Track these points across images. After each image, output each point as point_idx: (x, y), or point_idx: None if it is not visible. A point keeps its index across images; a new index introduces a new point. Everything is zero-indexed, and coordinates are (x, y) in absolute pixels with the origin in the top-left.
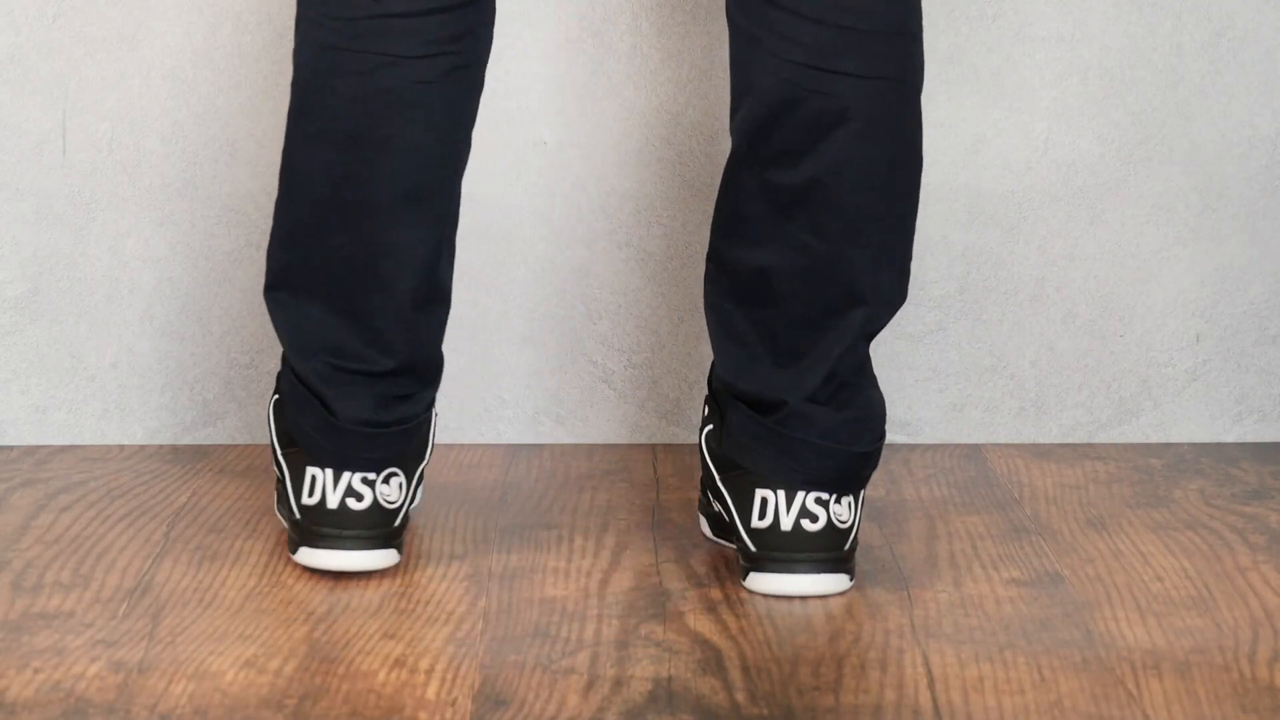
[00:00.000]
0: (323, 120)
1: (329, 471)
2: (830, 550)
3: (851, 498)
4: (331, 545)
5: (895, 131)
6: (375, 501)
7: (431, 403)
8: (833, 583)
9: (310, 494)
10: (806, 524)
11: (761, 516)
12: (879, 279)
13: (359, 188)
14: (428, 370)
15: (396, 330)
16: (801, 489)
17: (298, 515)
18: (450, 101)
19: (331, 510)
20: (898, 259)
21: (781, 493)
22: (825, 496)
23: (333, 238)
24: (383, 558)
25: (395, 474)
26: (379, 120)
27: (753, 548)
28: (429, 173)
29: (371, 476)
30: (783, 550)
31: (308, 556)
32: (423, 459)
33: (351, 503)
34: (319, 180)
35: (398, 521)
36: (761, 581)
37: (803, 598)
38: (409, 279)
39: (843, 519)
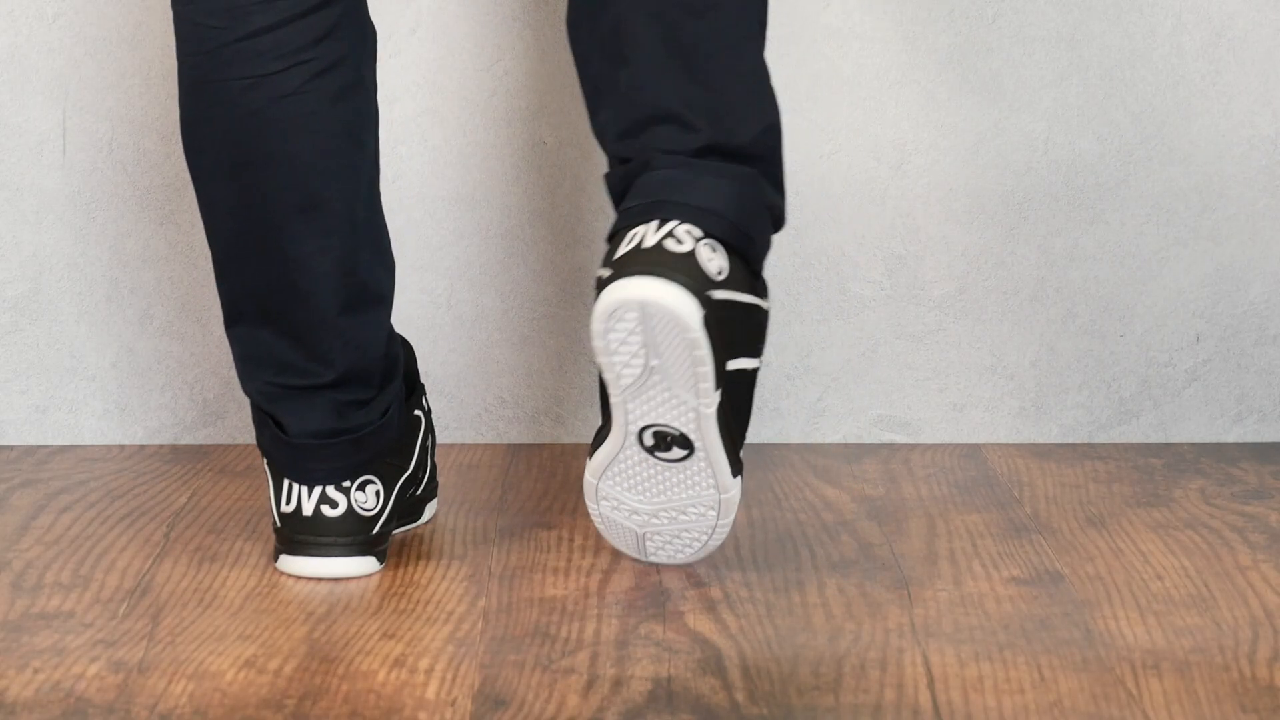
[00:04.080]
0: (210, 154)
1: (303, 485)
2: None
3: None
4: (308, 553)
5: None
6: (350, 508)
7: (388, 408)
8: None
9: (288, 502)
10: None
11: None
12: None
13: (256, 209)
14: (376, 373)
15: (329, 340)
16: None
17: (278, 523)
18: (316, 110)
19: (307, 518)
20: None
21: None
22: None
23: (251, 262)
24: (361, 565)
25: (371, 482)
26: (255, 142)
27: None
28: (317, 183)
29: (346, 484)
30: None
31: (286, 564)
32: (404, 468)
33: (326, 510)
34: (224, 211)
35: (376, 529)
36: None
37: None
38: (325, 288)
39: None
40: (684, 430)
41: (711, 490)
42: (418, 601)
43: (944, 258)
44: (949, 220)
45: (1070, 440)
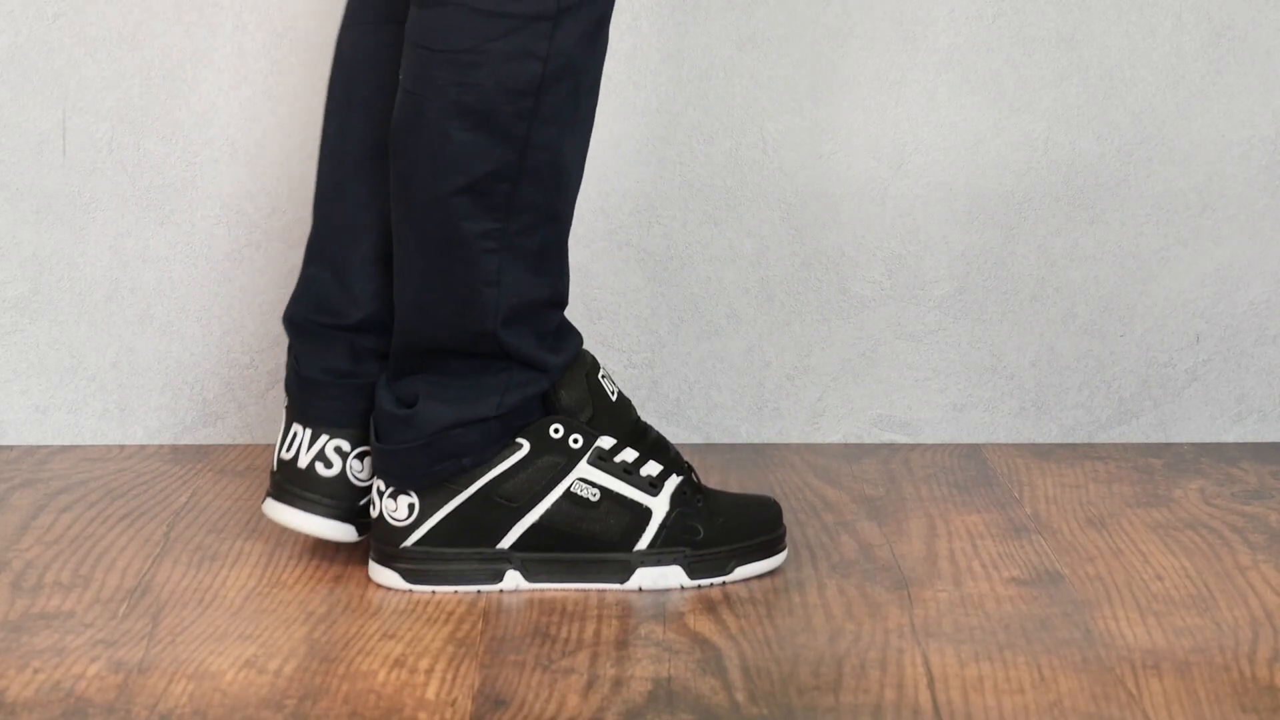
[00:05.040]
0: (329, 92)
1: (308, 431)
2: None
3: None
4: (293, 504)
5: None
6: (344, 473)
7: None
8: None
9: (288, 449)
10: None
11: None
12: None
13: (338, 147)
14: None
15: (364, 282)
16: None
17: (274, 467)
18: (394, 59)
19: (300, 469)
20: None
21: None
22: None
23: (328, 195)
24: (339, 530)
25: (369, 453)
26: (343, 82)
27: None
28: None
29: (346, 448)
30: None
31: (270, 508)
32: None
33: (320, 467)
34: (325, 149)
35: (364, 500)
36: None
37: None
38: (375, 233)
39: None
40: None
41: None
42: (418, 601)
43: (944, 258)
44: (949, 220)
45: (1070, 440)
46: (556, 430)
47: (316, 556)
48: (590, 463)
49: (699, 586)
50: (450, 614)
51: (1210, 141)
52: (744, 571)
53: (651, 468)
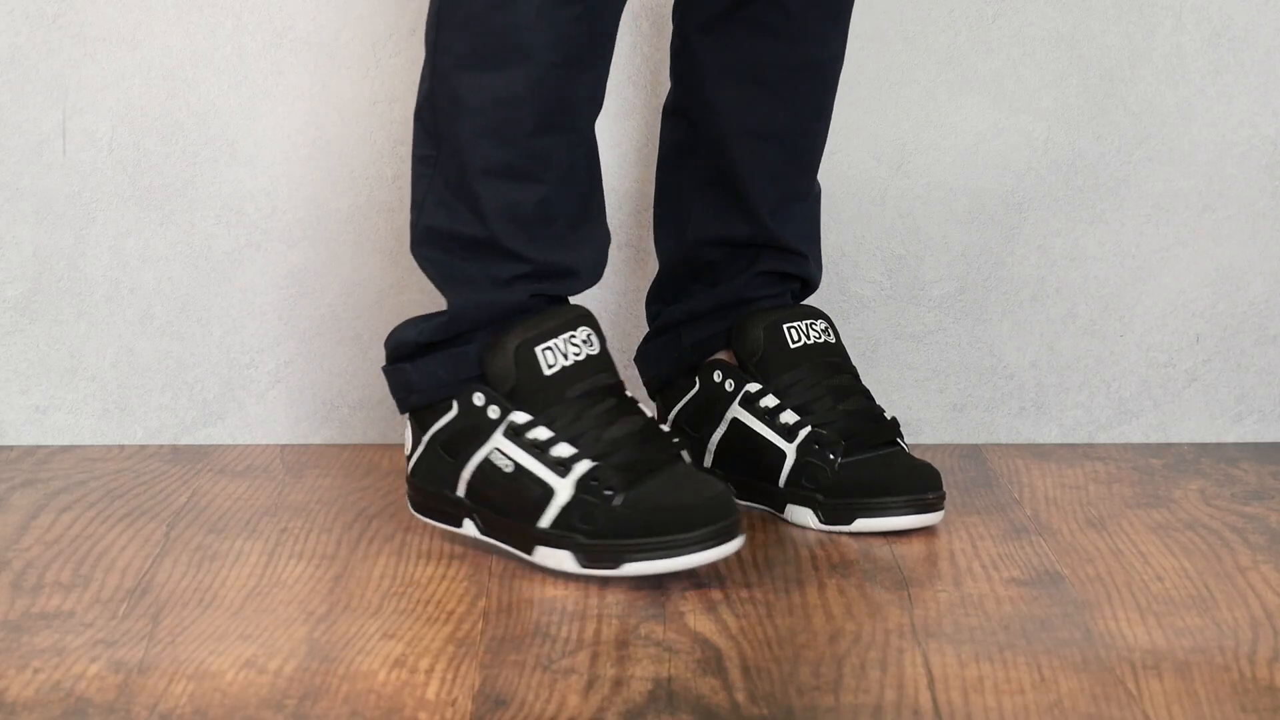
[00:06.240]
0: None
1: None
2: None
3: None
4: None
5: None
6: None
7: None
8: None
9: None
10: None
11: None
12: None
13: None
14: None
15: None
16: None
17: None
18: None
19: None
20: None
21: None
22: None
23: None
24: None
25: None
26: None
27: None
28: None
29: None
30: None
31: None
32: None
33: None
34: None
35: None
36: None
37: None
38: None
39: None
40: None
41: None
42: (418, 601)
43: (944, 258)
44: (949, 220)
45: (1070, 440)
46: (479, 399)
47: (316, 556)
48: (505, 435)
49: (589, 575)
50: (450, 614)
51: (1210, 141)
52: (634, 569)
53: (564, 449)
